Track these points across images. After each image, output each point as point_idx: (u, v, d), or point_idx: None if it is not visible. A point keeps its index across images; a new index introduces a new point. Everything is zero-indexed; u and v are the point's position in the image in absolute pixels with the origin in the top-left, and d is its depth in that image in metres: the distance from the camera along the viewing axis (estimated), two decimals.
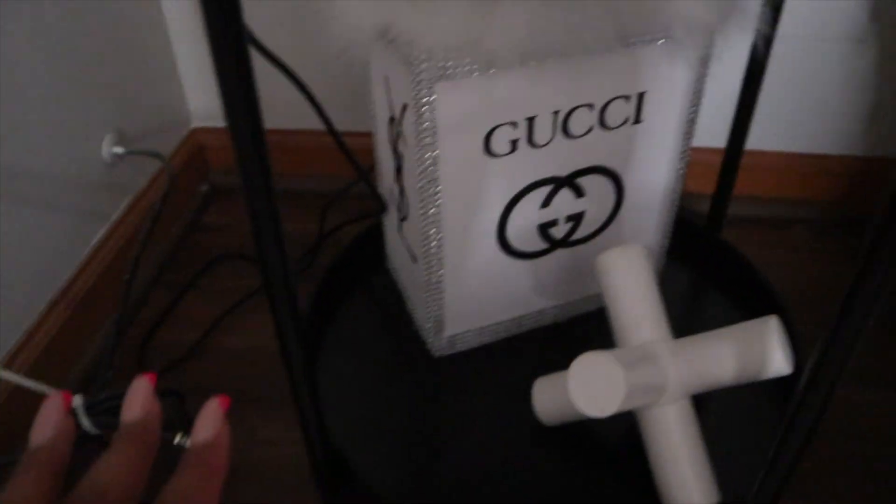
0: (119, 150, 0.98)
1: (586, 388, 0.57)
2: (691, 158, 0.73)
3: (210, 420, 0.30)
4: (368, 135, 0.79)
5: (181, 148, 1.15)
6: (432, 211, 0.64)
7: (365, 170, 0.79)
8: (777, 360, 0.58)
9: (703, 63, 0.65)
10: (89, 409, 0.72)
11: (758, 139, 1.01)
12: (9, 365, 0.79)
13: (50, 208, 0.87)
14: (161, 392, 0.77)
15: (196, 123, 1.19)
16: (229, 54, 0.39)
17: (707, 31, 0.61)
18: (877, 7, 0.90)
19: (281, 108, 0.79)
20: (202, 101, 1.17)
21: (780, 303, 0.78)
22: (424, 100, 0.58)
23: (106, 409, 0.75)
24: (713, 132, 0.94)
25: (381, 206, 0.81)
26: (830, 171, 1.03)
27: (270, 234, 0.47)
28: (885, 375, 0.85)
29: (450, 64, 0.57)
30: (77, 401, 0.72)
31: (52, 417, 0.29)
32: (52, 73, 0.85)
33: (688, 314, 0.84)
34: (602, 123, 0.66)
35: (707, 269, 0.87)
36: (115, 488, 0.26)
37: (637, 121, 0.67)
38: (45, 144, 0.85)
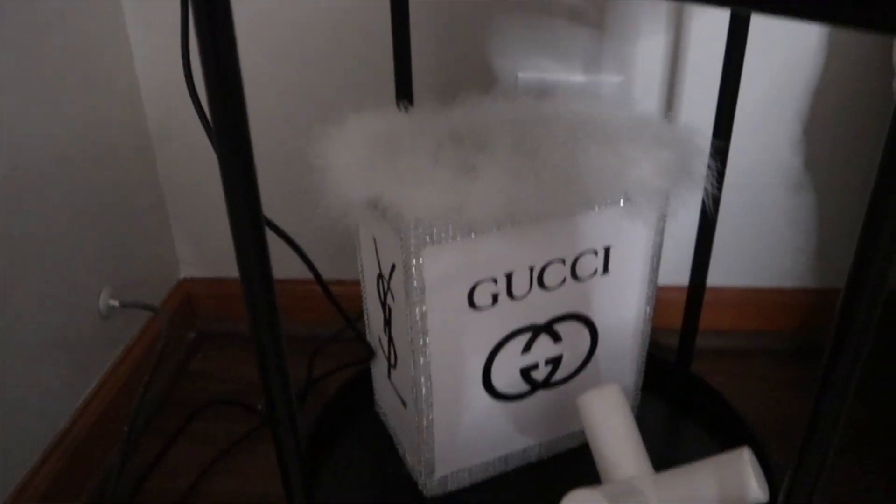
0: (114, 302, 1.03)
1: None
2: (661, 297, 0.80)
3: None
4: (356, 283, 0.84)
5: (171, 298, 1.20)
6: (422, 361, 0.69)
7: (353, 318, 0.84)
8: (752, 490, 0.62)
9: (660, 220, 0.73)
10: None
11: (720, 276, 1.08)
12: None
13: (47, 359, 0.90)
14: None
15: (185, 274, 1.24)
16: (248, 225, 0.45)
17: (660, 194, 0.69)
18: (809, 159, 1.01)
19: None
20: (190, 252, 1.23)
21: (751, 432, 0.82)
22: (413, 262, 0.64)
23: None
24: (680, 271, 1.02)
25: (369, 354, 0.86)
26: (787, 303, 1.11)
27: (277, 377, 0.51)
28: (856, 499, 0.89)
29: (434, 231, 0.63)
30: None
31: None
32: (52, 232, 0.91)
33: (665, 446, 0.88)
34: (573, 275, 0.72)
35: (681, 402, 0.92)
36: None
37: (605, 271, 0.73)
38: (45, 299, 0.89)
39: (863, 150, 1.01)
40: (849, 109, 0.98)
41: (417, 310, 0.66)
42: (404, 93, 0.86)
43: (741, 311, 1.11)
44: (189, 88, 0.59)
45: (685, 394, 0.92)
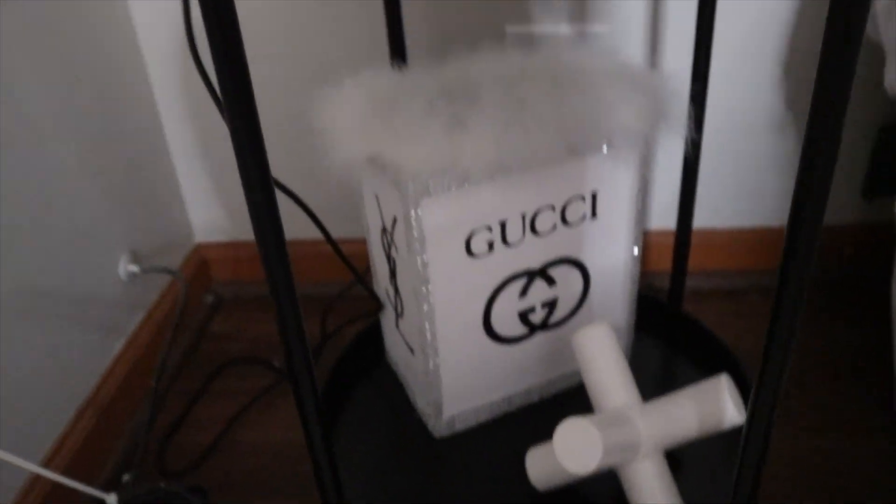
0: (134, 268, 1.08)
1: (570, 450, 0.66)
2: (653, 241, 0.84)
3: None
4: (362, 240, 0.89)
5: (187, 262, 1.25)
6: (426, 308, 0.74)
7: (361, 273, 0.89)
8: (730, 413, 0.68)
9: (644, 163, 0.77)
10: None
11: (708, 218, 1.13)
12: (45, 467, 0.86)
13: (74, 324, 0.96)
14: (187, 489, 0.84)
15: (199, 239, 1.29)
16: (259, 191, 0.50)
17: (642, 138, 0.73)
18: (790, 98, 1.04)
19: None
20: (204, 218, 1.28)
21: (738, 364, 0.87)
22: (412, 214, 0.69)
23: None
24: (670, 215, 1.06)
25: (378, 306, 0.91)
26: (774, 241, 1.15)
27: (294, 331, 0.56)
28: (831, 424, 0.94)
29: (431, 183, 0.68)
30: (112, 499, 0.80)
31: None
32: (72, 203, 0.96)
33: (659, 381, 0.93)
34: (564, 221, 0.77)
35: (672, 339, 0.97)
36: None
37: (593, 216, 0.78)
38: (69, 267, 0.95)
39: None
40: None
41: (419, 259, 0.71)
42: (397, 52, 0.89)
43: (729, 251, 1.16)
44: (194, 59, 0.63)
45: (677, 332, 0.97)
